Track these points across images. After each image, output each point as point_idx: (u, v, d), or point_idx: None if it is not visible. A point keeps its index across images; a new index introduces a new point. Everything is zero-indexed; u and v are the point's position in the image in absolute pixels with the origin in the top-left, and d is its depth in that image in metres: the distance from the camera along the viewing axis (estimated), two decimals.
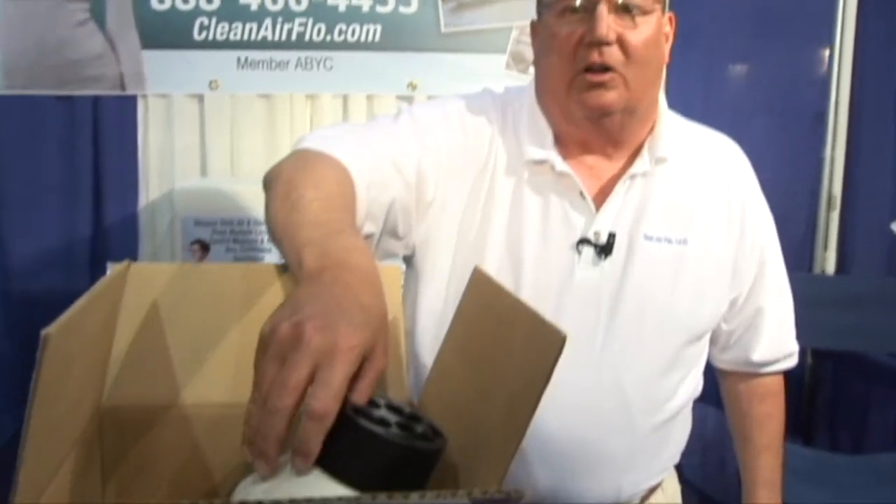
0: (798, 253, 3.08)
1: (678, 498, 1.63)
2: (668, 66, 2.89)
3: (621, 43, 1.30)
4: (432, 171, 1.35)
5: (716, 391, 1.73)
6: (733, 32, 3.08)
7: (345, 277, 0.87)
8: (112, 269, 1.02)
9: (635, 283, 1.38)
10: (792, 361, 1.66)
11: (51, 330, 0.69)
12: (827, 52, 3.09)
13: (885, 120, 3.22)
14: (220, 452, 1.04)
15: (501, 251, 1.37)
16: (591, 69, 1.31)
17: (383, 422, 0.80)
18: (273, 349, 0.78)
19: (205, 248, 2.46)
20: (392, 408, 0.85)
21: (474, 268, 0.97)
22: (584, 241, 1.37)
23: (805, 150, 3.14)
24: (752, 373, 1.64)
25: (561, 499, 1.41)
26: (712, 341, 1.55)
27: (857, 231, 3.23)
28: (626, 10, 1.30)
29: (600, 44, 1.29)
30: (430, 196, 1.36)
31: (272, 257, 2.44)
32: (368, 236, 1.30)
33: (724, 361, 1.62)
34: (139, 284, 1.04)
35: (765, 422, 1.65)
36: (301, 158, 1.21)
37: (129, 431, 1.04)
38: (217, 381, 1.03)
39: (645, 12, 1.32)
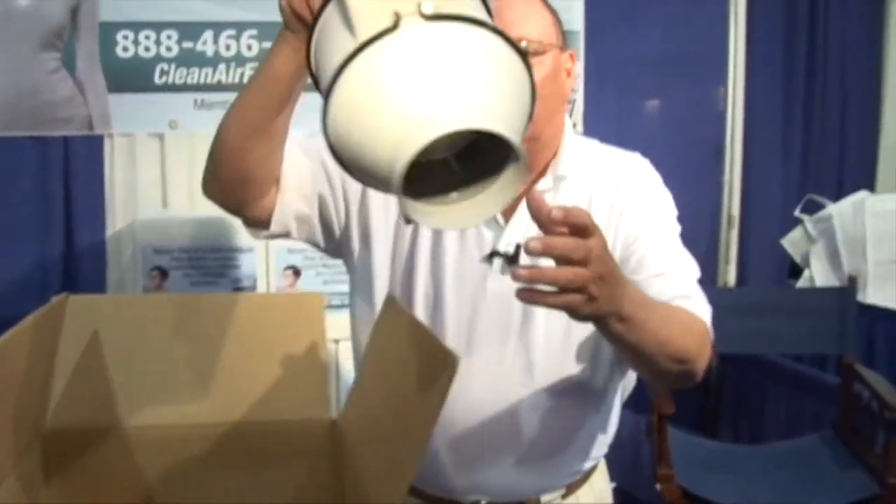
0: (704, 266, 3.07)
1: (608, 497, 1.56)
2: (586, 102, 2.98)
3: None
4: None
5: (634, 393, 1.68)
6: (644, 74, 3.12)
7: None
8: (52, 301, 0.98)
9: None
10: (703, 311, 1.37)
11: None
12: (723, 92, 3.15)
13: (773, 149, 3.28)
14: (159, 470, 1.00)
15: (427, 269, 1.37)
16: None
17: None
18: None
19: (163, 274, 2.41)
20: None
21: (387, 294, 0.95)
22: (494, 253, 1.36)
23: (707, 176, 3.18)
24: None
25: (492, 489, 1.38)
26: None
27: (753, 246, 3.27)
28: None
29: None
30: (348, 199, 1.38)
31: (226, 282, 2.40)
32: (305, 219, 1.33)
33: None
34: (79, 314, 1.00)
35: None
36: None
37: (72, 452, 1.00)
38: (155, 403, 0.99)
39: (538, 53, 1.32)
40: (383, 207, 1.40)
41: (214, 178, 1.30)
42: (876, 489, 2.36)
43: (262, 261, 2.46)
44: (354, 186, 1.37)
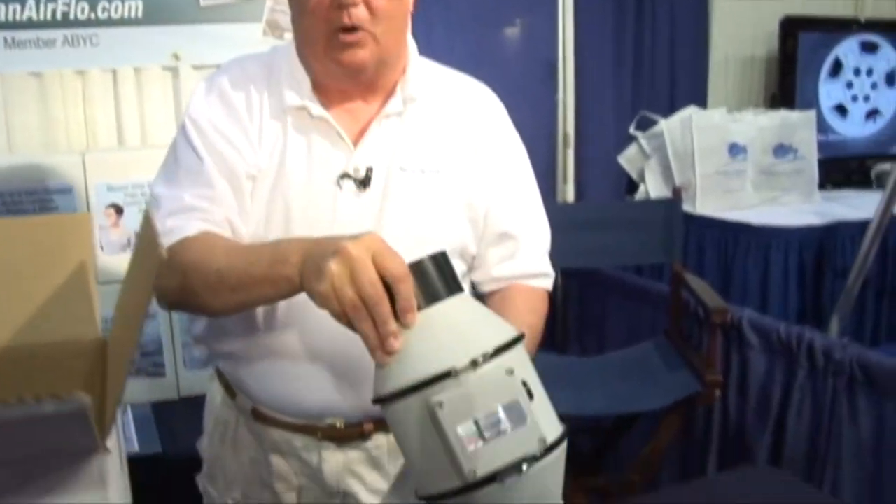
0: (542, 186, 3.14)
1: None
2: (423, 23, 2.99)
3: (367, 3, 1.29)
4: (237, 159, 1.35)
5: None
6: None
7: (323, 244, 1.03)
8: None
9: (393, 212, 1.37)
10: (547, 282, 1.55)
11: None
12: (553, 9, 3.19)
13: (605, 68, 3.35)
14: None
15: (271, 192, 1.35)
16: (343, 30, 1.30)
17: None
18: (339, 283, 0.96)
19: None
20: None
21: (143, 211, 0.95)
22: (344, 175, 1.37)
23: (541, 96, 3.23)
24: (510, 288, 1.51)
25: (345, 410, 1.38)
26: (471, 266, 1.50)
27: (589, 164, 3.36)
28: None
29: (347, 6, 1.27)
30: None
31: None
32: None
33: (481, 284, 1.54)
34: None
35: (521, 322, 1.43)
36: (175, 266, 1.24)
37: None
38: None
39: None
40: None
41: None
42: (698, 387, 2.50)
43: (81, 200, 2.41)
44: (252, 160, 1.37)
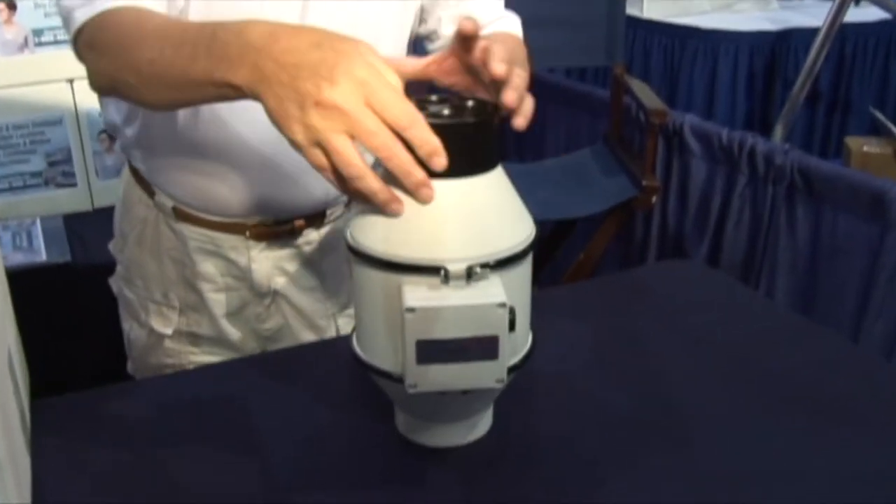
0: None
1: None
2: None
3: None
4: None
5: None
6: None
7: (279, 41, 0.79)
8: None
9: (317, 7, 1.21)
10: (515, 23, 1.37)
11: None
12: None
13: None
14: None
15: None
16: None
17: (436, 115, 0.81)
18: (330, 129, 0.75)
19: None
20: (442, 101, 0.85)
21: None
22: None
23: None
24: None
25: (276, 206, 1.28)
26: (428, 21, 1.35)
27: None
28: None
29: None
30: None
31: None
32: None
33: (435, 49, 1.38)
34: None
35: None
36: (99, 47, 1.03)
37: None
38: None
39: None
40: None
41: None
42: (635, 192, 2.42)
43: None
44: None
